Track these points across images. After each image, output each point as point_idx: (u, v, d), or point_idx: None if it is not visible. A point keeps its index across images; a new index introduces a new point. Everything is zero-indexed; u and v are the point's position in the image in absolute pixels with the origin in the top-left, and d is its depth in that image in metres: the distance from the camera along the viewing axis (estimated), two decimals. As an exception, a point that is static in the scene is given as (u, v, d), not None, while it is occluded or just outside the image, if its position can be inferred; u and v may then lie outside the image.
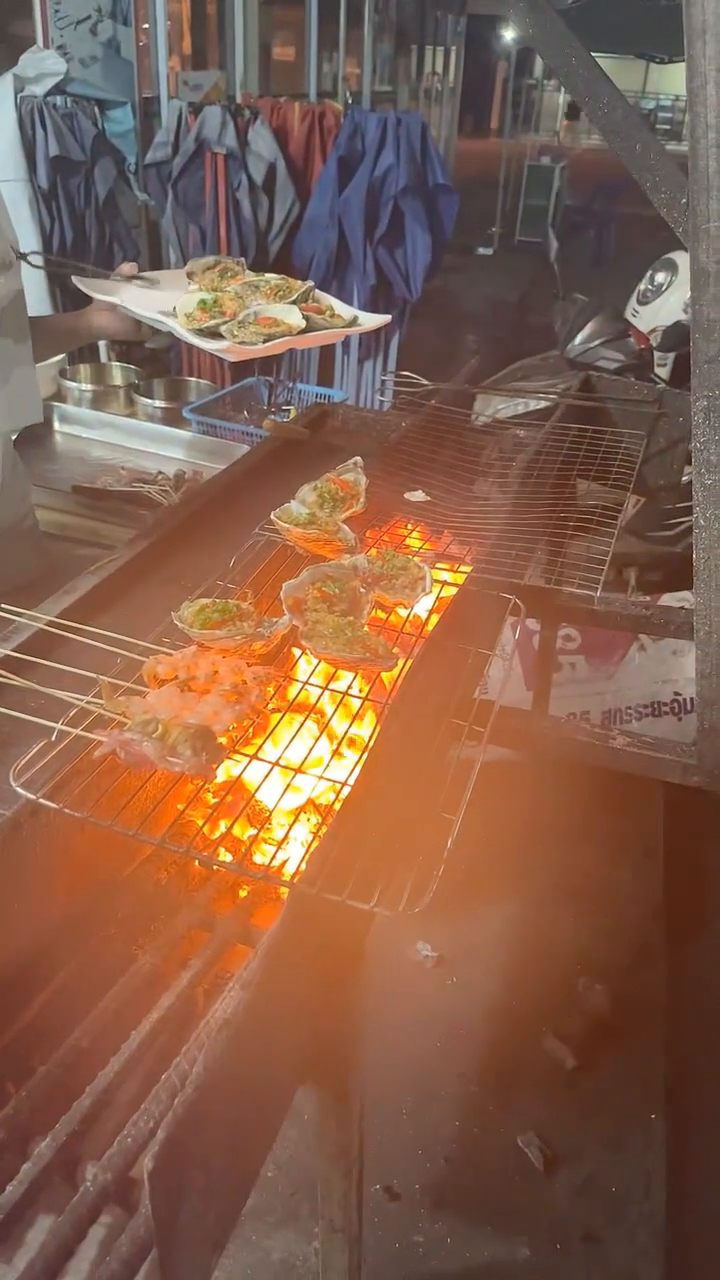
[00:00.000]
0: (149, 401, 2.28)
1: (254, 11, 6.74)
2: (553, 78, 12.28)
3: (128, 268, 1.48)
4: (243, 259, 1.53)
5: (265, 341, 1.32)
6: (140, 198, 4.18)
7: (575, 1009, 1.94)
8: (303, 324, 1.35)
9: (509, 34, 11.99)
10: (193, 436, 2.15)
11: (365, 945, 0.96)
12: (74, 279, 1.45)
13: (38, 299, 3.22)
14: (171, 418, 2.23)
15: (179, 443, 2.14)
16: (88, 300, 1.50)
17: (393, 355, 4.63)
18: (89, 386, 2.38)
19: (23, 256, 1.25)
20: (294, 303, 1.38)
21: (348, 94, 8.92)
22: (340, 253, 4.26)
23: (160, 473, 1.98)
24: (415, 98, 9.84)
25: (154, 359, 3.76)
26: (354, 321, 1.44)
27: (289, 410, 2.27)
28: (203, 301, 1.36)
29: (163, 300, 1.41)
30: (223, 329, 1.33)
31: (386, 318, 1.50)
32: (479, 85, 15.82)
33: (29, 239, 3.55)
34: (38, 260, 1.24)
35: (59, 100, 3.75)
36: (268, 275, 1.46)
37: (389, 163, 4.05)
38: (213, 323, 1.32)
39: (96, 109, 3.97)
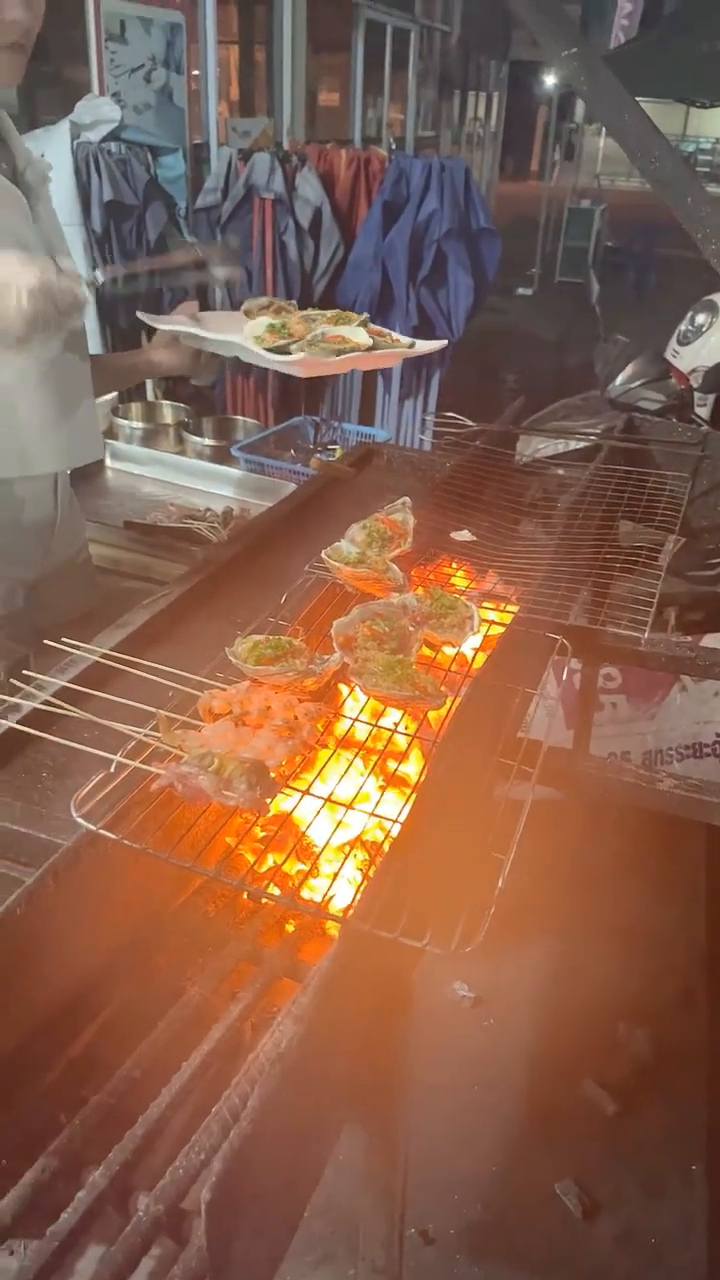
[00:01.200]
0: (198, 439, 2.33)
1: (301, 59, 6.95)
2: (594, 122, 12.45)
3: (189, 306, 1.53)
4: (294, 300, 1.59)
5: (336, 356, 1.37)
6: (189, 240, 4.29)
7: (616, 1054, 1.91)
8: (369, 342, 1.41)
9: (551, 78, 12.20)
10: (241, 474, 2.19)
11: (412, 983, 0.96)
12: (139, 314, 1.50)
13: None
14: (220, 455, 2.28)
15: (227, 480, 2.18)
16: (136, 340, 1.56)
17: (434, 394, 4.68)
18: (140, 424, 2.44)
19: (93, 285, 1.29)
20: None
21: (391, 139, 9.13)
22: (384, 294, 4.33)
23: (209, 509, 2.02)
24: (457, 142, 10.03)
25: (200, 397, 3.84)
26: (412, 345, 1.49)
27: (334, 449, 2.31)
28: (271, 325, 1.42)
29: (226, 331, 1.48)
30: (292, 348, 1.38)
31: (442, 342, 1.56)
32: (520, 128, 16.08)
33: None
34: (100, 277, 1.29)
35: (113, 146, 3.88)
36: (324, 312, 1.52)
37: (433, 207, 4.13)
38: (282, 343, 1.38)
39: (149, 155, 4.10)
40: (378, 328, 1.52)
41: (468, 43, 11.13)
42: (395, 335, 1.51)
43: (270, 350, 1.37)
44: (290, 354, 1.37)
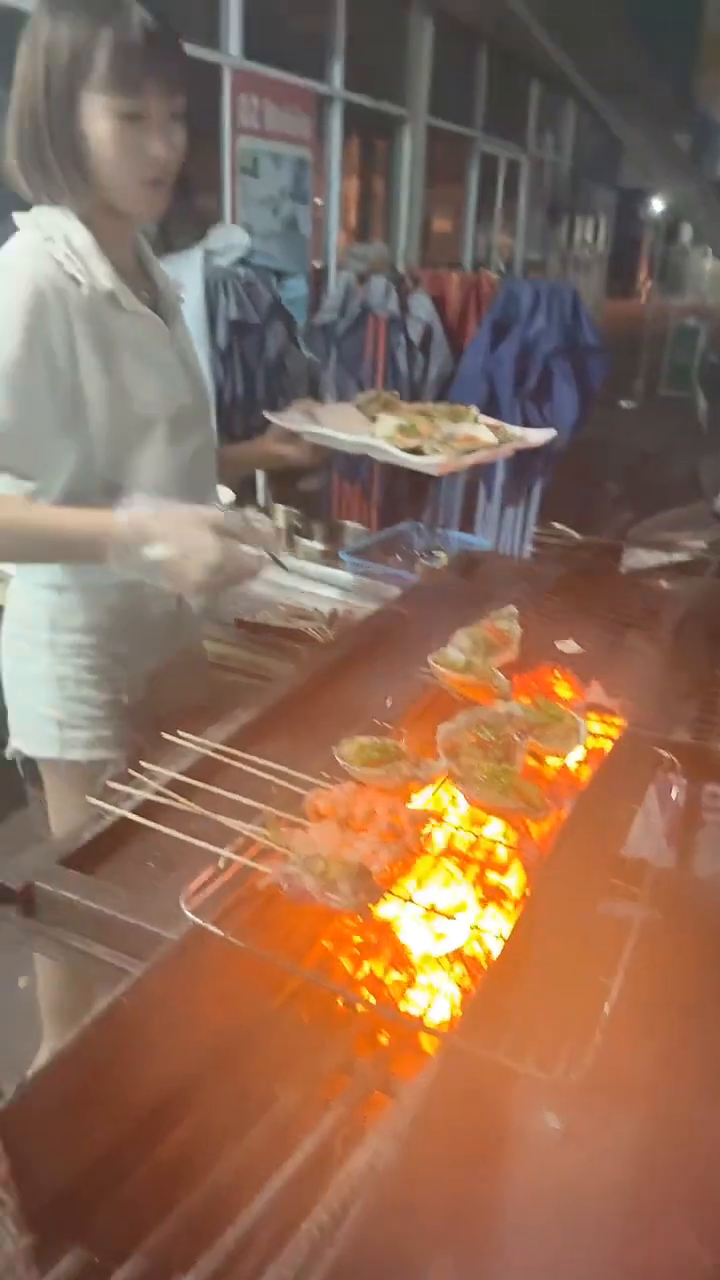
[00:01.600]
0: (308, 542, 2.42)
1: (419, 190, 7.37)
2: (701, 243, 12.74)
3: (305, 403, 1.63)
4: (396, 391, 1.69)
5: (469, 456, 1.44)
6: (307, 355, 4.53)
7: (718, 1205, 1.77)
8: (495, 440, 1.47)
9: (659, 203, 12.60)
10: (348, 577, 2.26)
11: (510, 1109, 0.93)
12: (266, 414, 1.60)
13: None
14: (328, 559, 2.35)
15: (334, 582, 2.24)
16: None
17: (535, 503, 4.74)
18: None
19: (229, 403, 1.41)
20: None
21: (500, 262, 9.52)
22: (490, 406, 4.45)
23: (316, 610, 2.08)
24: (564, 264, 10.39)
25: (308, 500, 3.99)
26: (524, 438, 1.56)
27: (439, 555, 2.36)
28: (400, 425, 1.50)
29: (346, 428, 1.56)
30: (426, 447, 1.47)
31: (552, 432, 1.63)
32: (627, 249, 16.56)
33: (204, 391, 3.90)
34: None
35: (241, 270, 4.16)
36: (437, 406, 1.62)
37: (540, 326, 4.27)
38: (415, 442, 1.46)
39: (274, 278, 4.37)
40: (492, 421, 1.61)
41: (577, 172, 11.64)
42: (508, 428, 1.60)
43: (405, 450, 1.46)
44: (423, 453, 1.45)
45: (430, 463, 1.46)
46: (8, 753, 1.65)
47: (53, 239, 1.29)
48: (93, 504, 1.38)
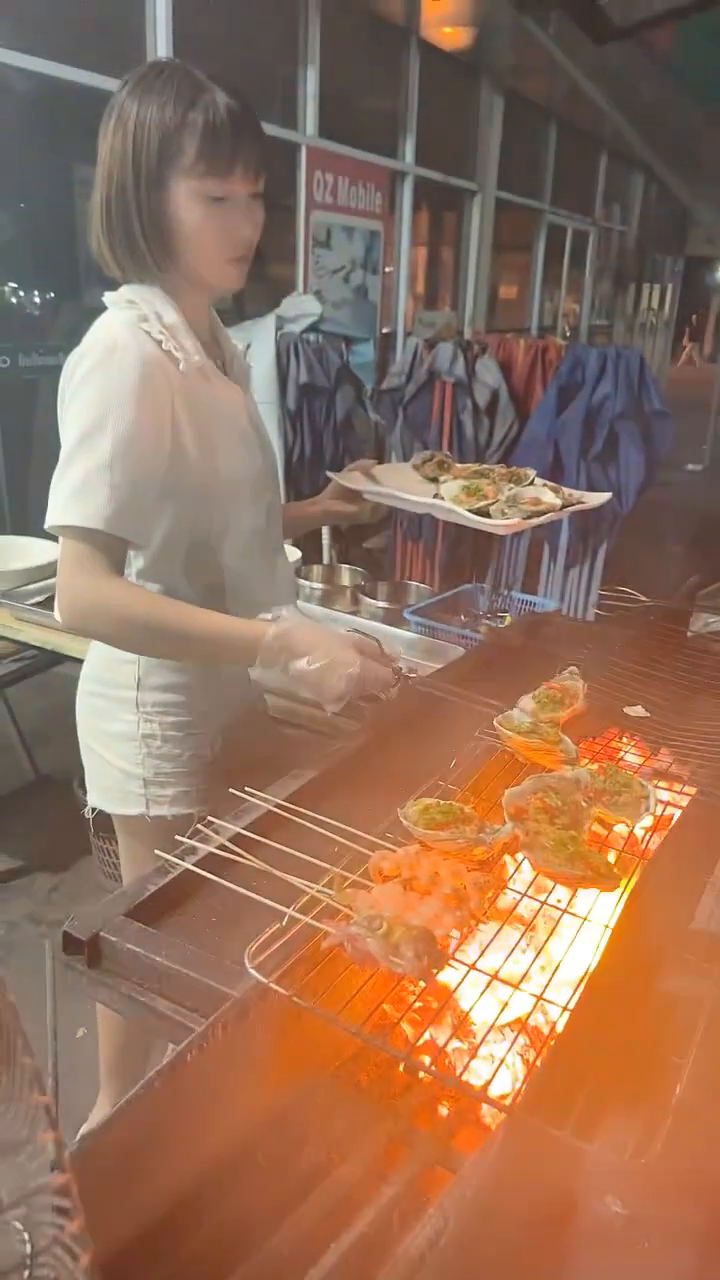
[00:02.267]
0: (373, 602, 2.44)
1: (486, 259, 7.53)
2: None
3: (366, 463, 1.66)
4: (450, 452, 1.72)
5: (536, 518, 1.46)
6: (373, 418, 4.62)
7: None
8: (559, 502, 1.49)
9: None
10: (412, 636, 2.26)
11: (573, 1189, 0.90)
12: (329, 474, 1.64)
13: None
14: (392, 618, 2.36)
15: (398, 641, 2.25)
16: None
17: (599, 564, 4.72)
18: (320, 585, 2.58)
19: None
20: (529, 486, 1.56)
21: (566, 327, 9.63)
22: (554, 470, 4.47)
23: (379, 668, 2.09)
24: (630, 330, 10.46)
25: (372, 560, 4.04)
26: (582, 500, 1.58)
27: (504, 616, 2.36)
28: (466, 487, 1.53)
29: (406, 488, 1.59)
30: (493, 510, 1.50)
31: (607, 495, 1.65)
32: (693, 315, 16.60)
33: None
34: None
35: (312, 336, 4.29)
36: (494, 467, 1.65)
37: (607, 391, 4.29)
38: (482, 504, 1.48)
39: (343, 344, 4.49)
40: (549, 483, 1.63)
41: (644, 240, 11.78)
42: (567, 490, 1.62)
43: (471, 512, 1.48)
44: (489, 515, 1.47)
45: (498, 524, 1.48)
46: (85, 811, 1.66)
47: (147, 318, 1.34)
48: (180, 562, 1.44)
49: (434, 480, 1.67)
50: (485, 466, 1.69)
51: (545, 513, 1.50)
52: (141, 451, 1.30)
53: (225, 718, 1.62)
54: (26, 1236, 0.39)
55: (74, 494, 1.27)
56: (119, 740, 1.56)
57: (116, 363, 1.29)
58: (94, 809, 1.64)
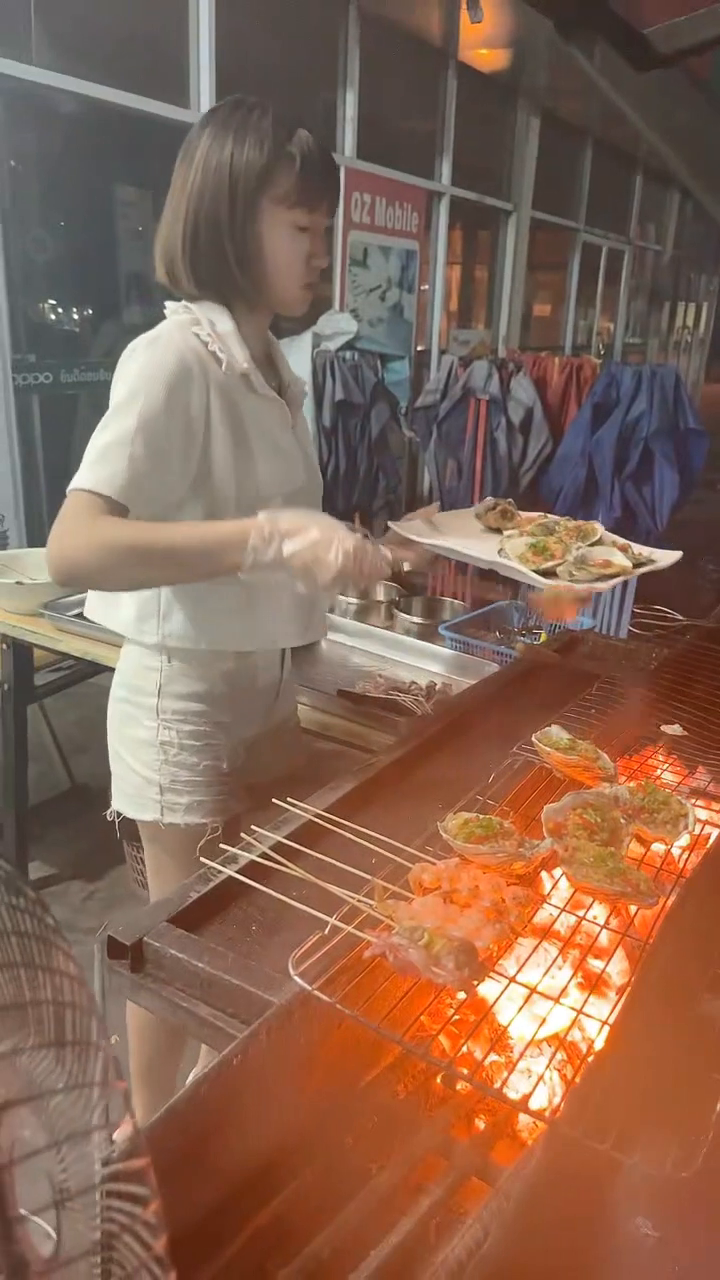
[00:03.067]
0: (407, 617, 2.45)
1: (521, 278, 7.55)
2: None
3: (429, 511, 1.63)
4: (511, 499, 1.66)
5: (606, 581, 1.41)
6: (408, 434, 4.65)
7: None
8: (630, 564, 1.43)
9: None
10: (447, 652, 2.28)
11: (609, 1205, 0.90)
12: (392, 524, 1.56)
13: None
14: (427, 633, 2.38)
15: (433, 657, 2.27)
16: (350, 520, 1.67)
17: (634, 582, 4.70)
18: (355, 600, 2.61)
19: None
20: (596, 543, 1.48)
21: (600, 346, 9.62)
22: (588, 488, 4.47)
23: (414, 683, 2.11)
24: (664, 348, 10.45)
25: (406, 576, 4.05)
26: (653, 558, 1.50)
27: (539, 633, 2.36)
28: (532, 544, 1.48)
29: (467, 537, 1.53)
30: (560, 570, 1.43)
31: (679, 554, 1.53)
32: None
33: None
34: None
35: (347, 354, 4.33)
36: (560, 519, 1.56)
37: (642, 408, 4.30)
38: (548, 564, 1.43)
39: (378, 361, 4.53)
40: (620, 540, 1.54)
41: (679, 260, 11.76)
42: (637, 549, 1.52)
43: (537, 571, 1.42)
44: (556, 575, 1.40)
45: (565, 586, 1.40)
46: (108, 814, 1.70)
47: (199, 322, 1.42)
48: None
49: (497, 530, 1.60)
50: (551, 519, 1.59)
51: (617, 575, 1.42)
52: (167, 431, 1.34)
53: (248, 732, 1.65)
54: (98, 1223, 0.40)
55: (94, 461, 1.31)
56: (141, 746, 1.60)
57: (160, 348, 1.37)
58: (117, 813, 1.68)
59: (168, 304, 1.47)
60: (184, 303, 1.45)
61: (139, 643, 1.57)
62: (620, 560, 1.43)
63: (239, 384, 1.44)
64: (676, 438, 4.45)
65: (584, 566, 1.41)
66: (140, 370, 1.35)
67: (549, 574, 1.41)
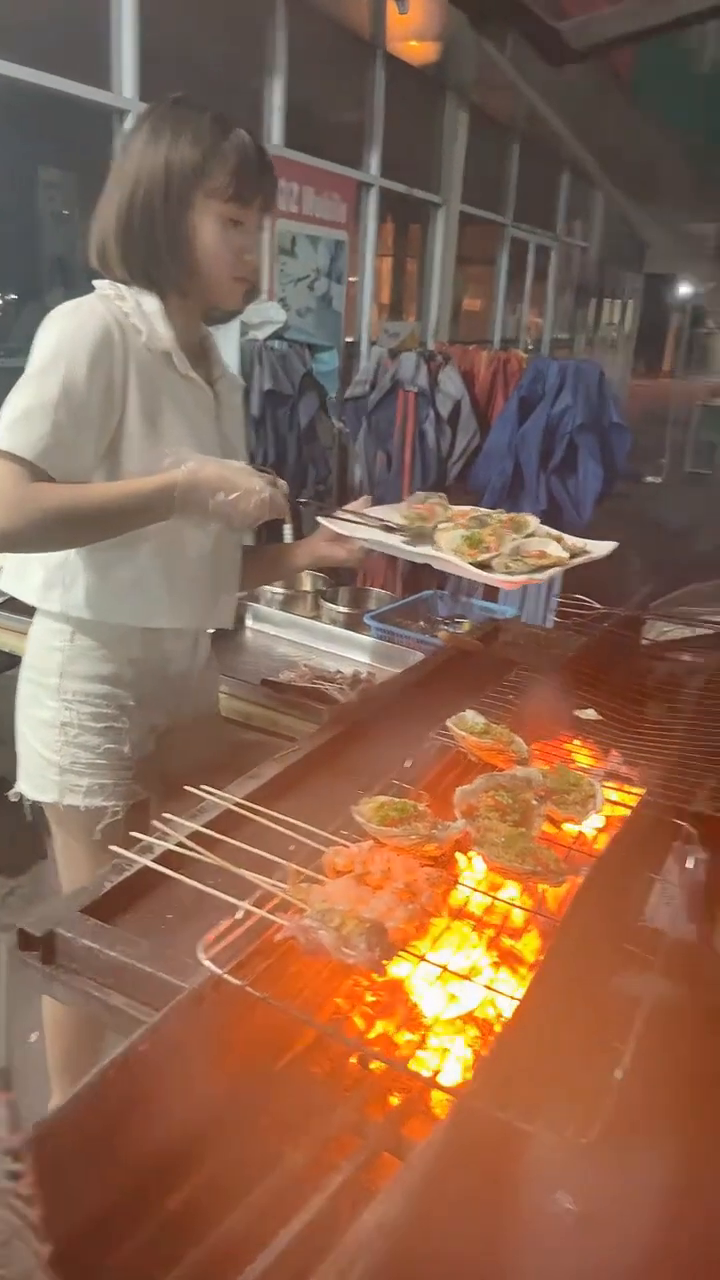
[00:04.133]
0: (333, 606, 2.46)
1: (450, 271, 7.60)
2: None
3: (363, 502, 1.63)
4: (444, 494, 1.67)
5: (541, 573, 1.44)
6: (337, 425, 4.65)
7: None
8: (566, 555, 1.45)
9: (685, 289, 12.92)
10: (371, 641, 2.29)
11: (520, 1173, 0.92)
12: (318, 516, 1.61)
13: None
14: (352, 623, 2.39)
15: (358, 646, 2.28)
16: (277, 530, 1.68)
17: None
18: (280, 590, 2.60)
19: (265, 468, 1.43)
20: (530, 535, 1.49)
21: (528, 341, 9.74)
22: (515, 481, 4.54)
23: (339, 672, 2.11)
24: (591, 343, 10.62)
25: (336, 569, 4.06)
26: (586, 551, 1.52)
27: (462, 622, 2.39)
28: (466, 537, 1.49)
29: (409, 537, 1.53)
30: (494, 562, 1.45)
31: (614, 544, 1.56)
32: (653, 331, 16.88)
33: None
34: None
35: (276, 343, 4.30)
36: (492, 512, 1.58)
37: (567, 403, 4.37)
38: (484, 557, 1.45)
39: (307, 351, 4.52)
40: (552, 532, 1.56)
41: (605, 258, 11.97)
42: (570, 539, 1.54)
43: (473, 564, 1.44)
44: (491, 568, 1.42)
45: (504, 579, 1.43)
46: (11, 795, 1.68)
47: (124, 298, 1.44)
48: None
49: (438, 529, 1.59)
50: (484, 512, 1.59)
51: (552, 566, 1.44)
52: (88, 398, 1.36)
53: (159, 719, 1.64)
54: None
55: (15, 421, 1.32)
56: (42, 726, 1.60)
57: (83, 314, 1.39)
58: (19, 794, 1.67)
59: (96, 282, 1.47)
60: (113, 283, 1.46)
61: (45, 611, 1.57)
62: (556, 551, 1.46)
63: (160, 360, 1.45)
64: (600, 432, 4.54)
65: (519, 558, 1.43)
66: (61, 335, 1.36)
67: (484, 566, 1.44)
